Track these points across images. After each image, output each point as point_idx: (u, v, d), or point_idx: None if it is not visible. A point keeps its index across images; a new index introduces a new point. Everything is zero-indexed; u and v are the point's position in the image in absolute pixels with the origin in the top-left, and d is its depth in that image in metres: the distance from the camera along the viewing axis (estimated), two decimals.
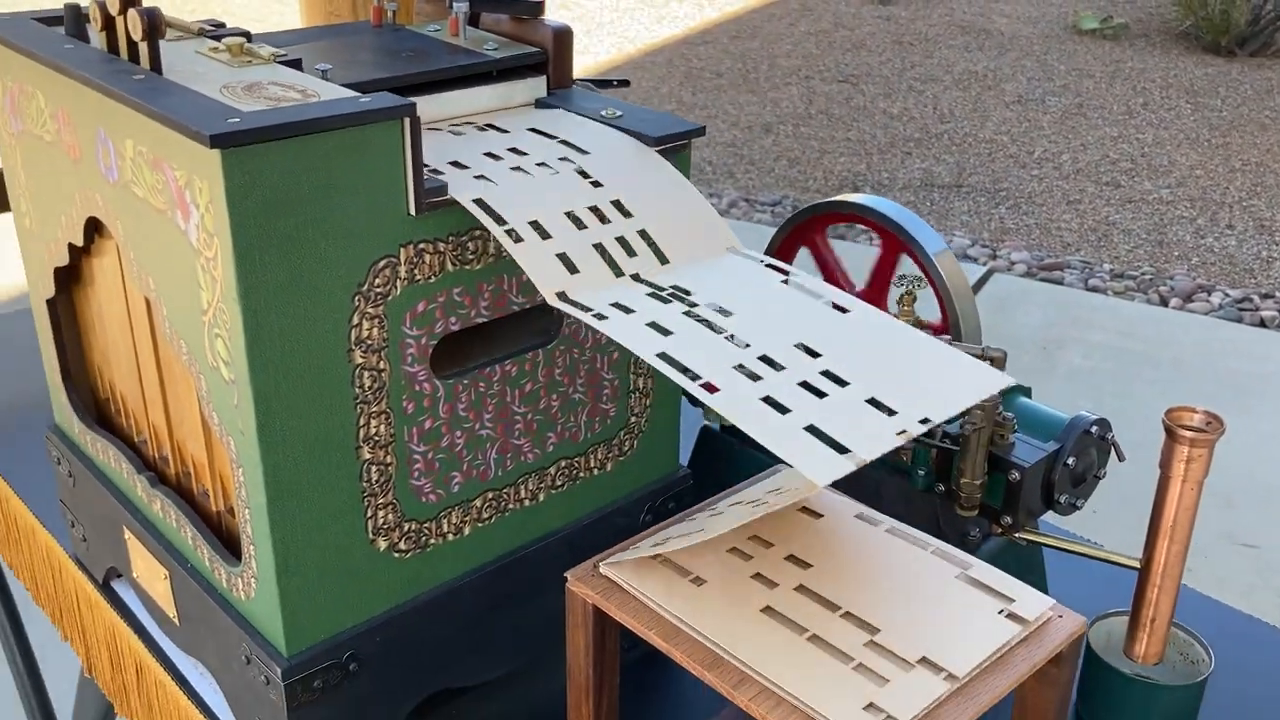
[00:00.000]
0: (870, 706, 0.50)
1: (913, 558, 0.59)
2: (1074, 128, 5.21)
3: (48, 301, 0.78)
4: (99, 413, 0.82)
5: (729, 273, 0.63)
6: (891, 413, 0.52)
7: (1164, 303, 3.34)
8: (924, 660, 0.53)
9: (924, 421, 0.51)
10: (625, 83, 1.09)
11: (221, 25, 0.75)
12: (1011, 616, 0.56)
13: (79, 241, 0.70)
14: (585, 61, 5.83)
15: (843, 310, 0.59)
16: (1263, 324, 3.20)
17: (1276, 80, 6.13)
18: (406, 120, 0.57)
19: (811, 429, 0.51)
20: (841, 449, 0.49)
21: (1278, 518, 2.38)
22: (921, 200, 4.26)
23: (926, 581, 0.58)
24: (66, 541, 0.90)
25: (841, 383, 0.54)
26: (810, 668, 0.52)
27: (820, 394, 0.53)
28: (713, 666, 0.54)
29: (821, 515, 0.63)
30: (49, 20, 0.73)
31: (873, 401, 0.53)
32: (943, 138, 4.97)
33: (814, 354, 0.56)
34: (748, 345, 0.55)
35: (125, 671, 0.85)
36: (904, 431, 0.51)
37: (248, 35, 0.72)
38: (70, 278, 0.77)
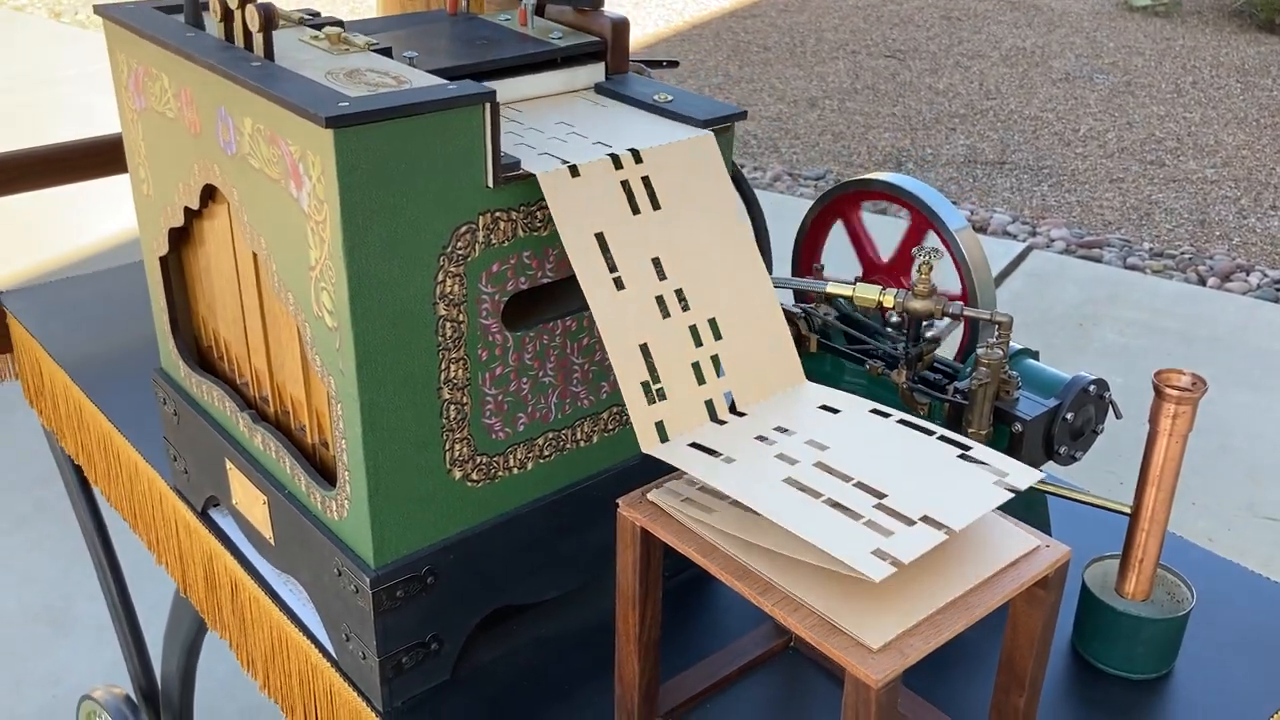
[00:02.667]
0: (877, 551, 0.59)
1: (920, 441, 0.68)
2: (1121, 106, 5.20)
3: (160, 259, 0.88)
4: (201, 358, 0.92)
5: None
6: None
7: (1202, 282, 3.38)
8: (926, 517, 0.62)
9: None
10: (674, 63, 1.18)
11: (317, 14, 0.84)
12: (1004, 485, 0.64)
13: (195, 205, 0.80)
14: (633, 35, 5.88)
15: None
16: None
17: None
18: (487, 105, 0.66)
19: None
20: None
21: None
22: (964, 176, 4.29)
23: (931, 459, 0.66)
24: (167, 475, 1.01)
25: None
26: (826, 524, 0.61)
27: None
28: (742, 577, 0.63)
29: (839, 410, 0.71)
30: (168, 9, 0.83)
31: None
32: (988, 114, 4.99)
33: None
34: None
35: (220, 589, 0.96)
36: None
37: (341, 24, 0.81)
38: (181, 238, 0.87)
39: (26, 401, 1.32)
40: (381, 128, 0.63)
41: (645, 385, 0.68)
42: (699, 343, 0.70)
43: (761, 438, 0.68)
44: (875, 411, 0.70)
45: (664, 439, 0.67)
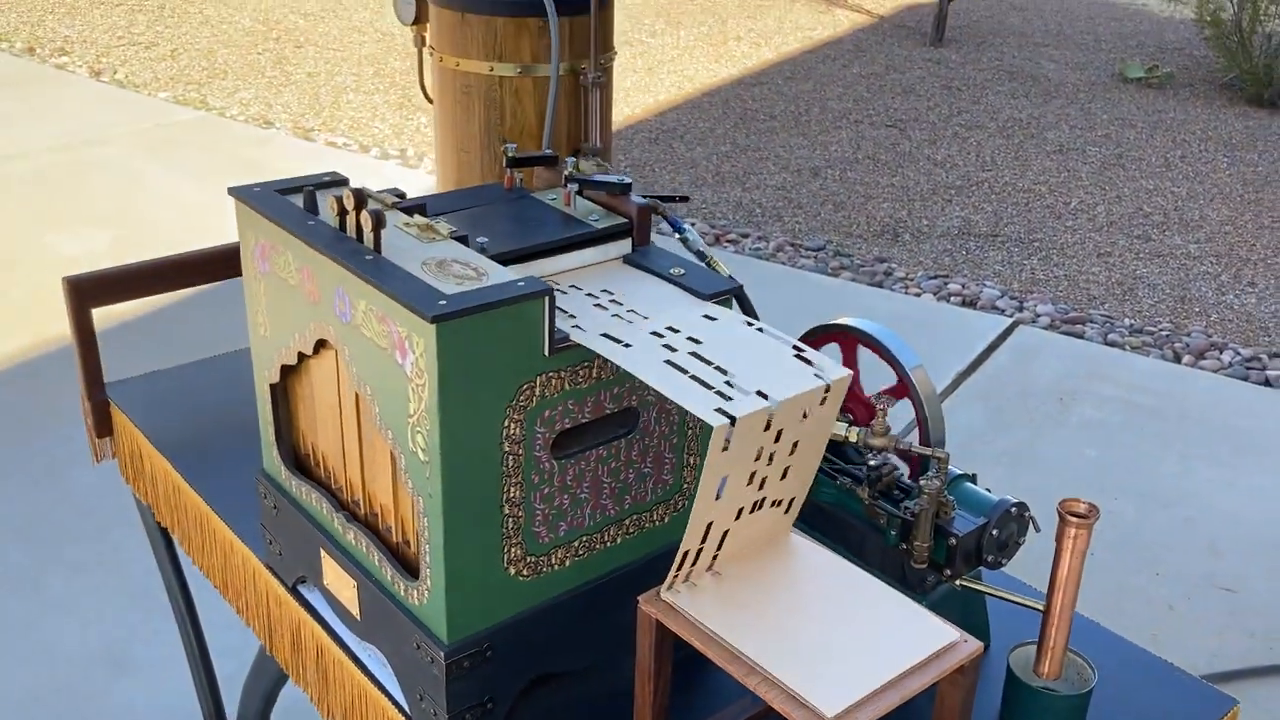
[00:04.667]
0: (719, 409, 0.81)
1: (768, 342, 0.91)
2: (1111, 179, 5.44)
3: (271, 385, 1.09)
4: (298, 464, 1.13)
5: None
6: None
7: (1177, 359, 3.59)
8: (759, 391, 0.84)
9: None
10: (685, 198, 1.40)
11: (403, 195, 1.06)
12: (820, 377, 0.87)
13: (309, 352, 1.01)
14: (646, 101, 6.15)
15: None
16: (1268, 383, 3.43)
17: None
18: (547, 298, 0.88)
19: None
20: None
21: (1259, 566, 2.63)
22: (958, 249, 4.52)
23: (773, 355, 0.89)
24: (261, 553, 1.22)
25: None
26: (687, 388, 0.84)
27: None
28: (731, 662, 0.83)
29: (717, 319, 0.94)
30: (285, 191, 1.05)
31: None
32: (983, 185, 5.22)
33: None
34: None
35: (305, 652, 1.16)
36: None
37: (424, 208, 1.03)
38: (289, 370, 1.08)
39: (123, 479, 1.53)
40: (470, 319, 0.84)
41: None
42: None
43: (656, 333, 0.91)
44: (746, 323, 0.94)
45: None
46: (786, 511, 0.94)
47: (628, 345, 0.90)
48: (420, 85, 1.51)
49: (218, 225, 4.11)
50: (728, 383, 0.85)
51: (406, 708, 1.02)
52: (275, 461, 1.14)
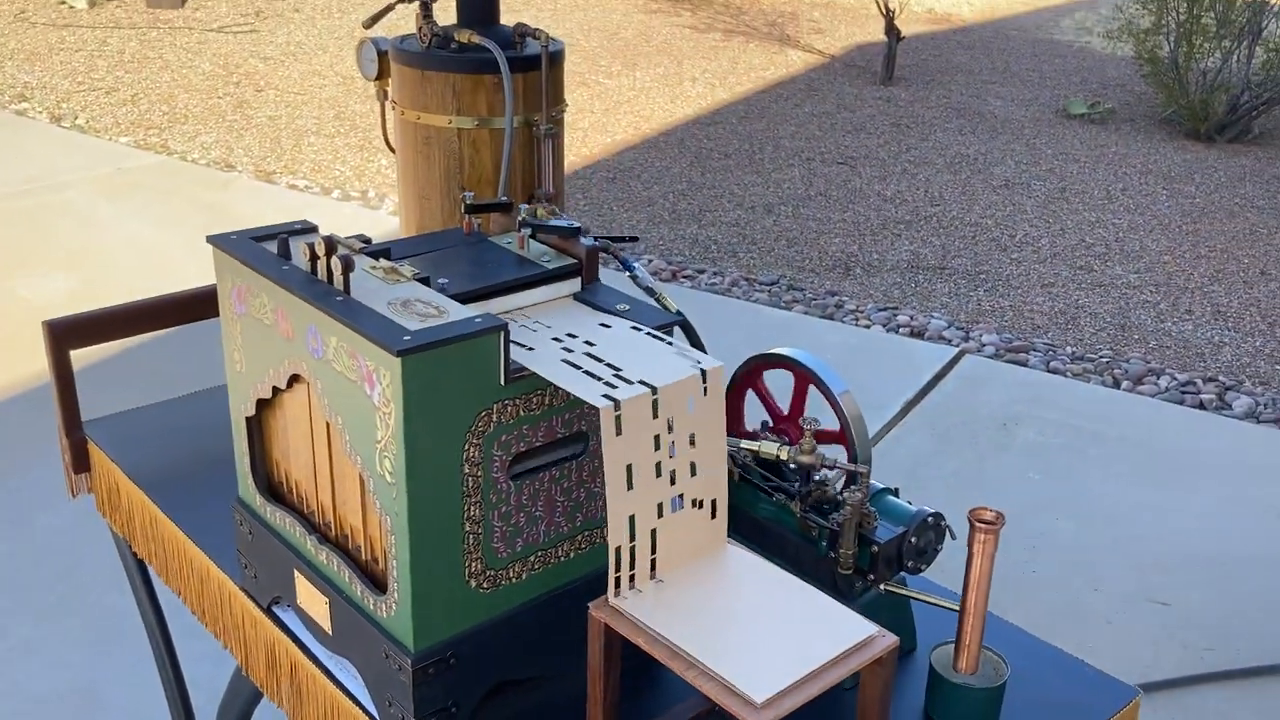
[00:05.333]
0: (605, 395, 0.92)
1: (653, 343, 1.02)
2: (1055, 212, 5.62)
3: (247, 419, 1.18)
4: (272, 491, 1.21)
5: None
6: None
7: (1116, 384, 3.73)
8: (642, 380, 0.95)
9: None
10: (634, 239, 1.49)
11: (369, 240, 1.15)
12: (697, 365, 0.98)
13: (283, 386, 1.10)
14: (603, 141, 6.28)
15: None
16: (1201, 406, 3.58)
17: (1249, 167, 6.55)
18: (502, 332, 0.97)
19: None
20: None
21: (1192, 581, 2.75)
22: (907, 282, 4.66)
23: (657, 351, 1.01)
24: (237, 577, 1.29)
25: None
26: (579, 380, 0.96)
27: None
28: (672, 659, 0.92)
29: (611, 326, 1.06)
30: (259, 238, 1.14)
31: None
32: (931, 220, 5.38)
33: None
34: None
35: (280, 668, 1.24)
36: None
37: (389, 253, 1.12)
38: (263, 404, 1.17)
39: (100, 513, 1.60)
40: (432, 353, 0.93)
41: None
42: None
43: (555, 339, 1.04)
44: (634, 328, 1.07)
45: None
46: (714, 517, 1.03)
47: (530, 349, 1.01)
48: (383, 135, 1.61)
49: (181, 268, 4.17)
50: (617, 375, 0.97)
51: (377, 715, 1.10)
52: (250, 490, 1.22)
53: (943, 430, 3.35)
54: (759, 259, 4.82)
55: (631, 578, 1.00)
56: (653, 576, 1.01)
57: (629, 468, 0.96)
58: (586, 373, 0.98)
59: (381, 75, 1.54)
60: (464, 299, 1.05)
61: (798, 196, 5.56)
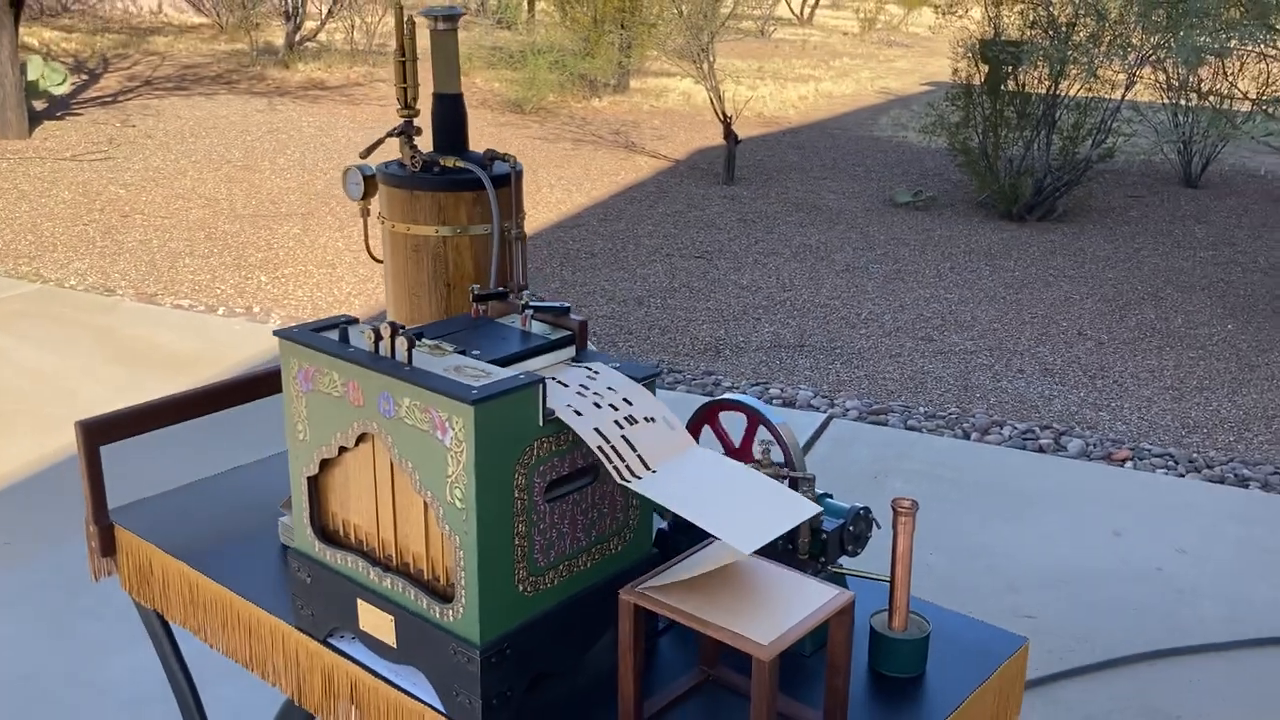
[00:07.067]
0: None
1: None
2: (894, 290, 6.17)
3: (309, 478, 1.43)
4: (328, 539, 1.47)
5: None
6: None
7: (967, 436, 4.19)
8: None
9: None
10: (567, 308, 1.81)
11: (403, 326, 1.44)
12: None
13: (350, 445, 1.37)
14: None
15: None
16: (1041, 449, 4.07)
17: (1058, 241, 7.29)
18: (541, 385, 1.27)
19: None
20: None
21: (1050, 596, 3.17)
22: (772, 360, 5.09)
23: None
24: (288, 618, 1.52)
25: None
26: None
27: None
28: (693, 622, 1.22)
29: (599, 373, 1.35)
30: (317, 329, 1.41)
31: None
32: (786, 304, 5.86)
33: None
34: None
35: (339, 687, 1.48)
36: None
37: (422, 334, 1.41)
38: (325, 465, 1.43)
39: (127, 591, 1.80)
40: (494, 401, 1.23)
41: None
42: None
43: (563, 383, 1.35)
44: (615, 368, 1.39)
45: None
46: (672, 429, 1.34)
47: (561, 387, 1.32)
48: (365, 246, 1.89)
49: (88, 390, 4.27)
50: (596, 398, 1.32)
51: (441, 706, 1.35)
52: (308, 539, 1.47)
53: (821, 486, 3.72)
54: (637, 347, 5.18)
55: (629, 469, 1.28)
56: (647, 468, 1.30)
57: (575, 410, 1.28)
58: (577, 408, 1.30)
59: (366, 195, 1.84)
60: (499, 364, 1.35)
61: (664, 289, 5.98)
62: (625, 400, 1.34)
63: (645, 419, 1.34)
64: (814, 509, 1.28)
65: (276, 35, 13.28)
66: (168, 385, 4.16)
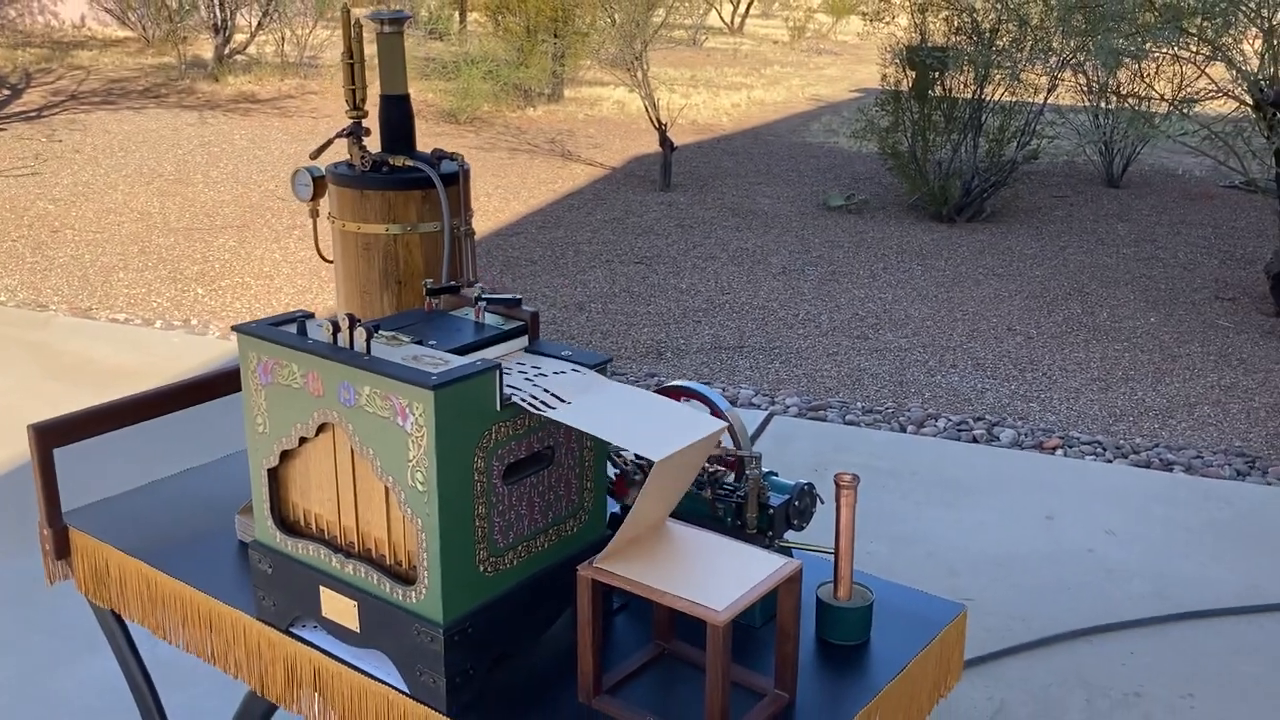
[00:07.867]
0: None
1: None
2: (829, 291, 6.28)
3: (269, 470, 1.46)
4: (288, 529, 1.50)
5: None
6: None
7: (903, 429, 4.30)
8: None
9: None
10: (518, 300, 1.86)
11: (359, 319, 1.47)
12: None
13: (310, 435, 1.40)
14: None
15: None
16: (974, 440, 4.18)
17: (987, 241, 7.46)
18: (497, 370, 1.32)
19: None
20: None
21: (988, 579, 3.27)
22: (713, 360, 5.16)
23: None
24: (250, 610, 1.55)
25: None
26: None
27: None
28: (649, 593, 1.28)
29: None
30: (275, 323, 1.44)
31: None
32: (725, 307, 5.94)
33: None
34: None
35: (301, 676, 1.51)
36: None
37: (379, 327, 1.45)
38: (285, 456, 1.46)
39: (82, 592, 1.81)
40: (453, 387, 1.27)
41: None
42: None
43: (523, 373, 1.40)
44: (567, 357, 1.45)
45: None
46: (581, 374, 1.41)
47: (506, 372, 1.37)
48: (315, 246, 1.93)
49: (28, 405, 4.22)
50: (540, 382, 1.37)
51: (406, 686, 1.39)
52: (269, 530, 1.50)
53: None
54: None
55: (543, 403, 1.33)
56: (561, 400, 1.34)
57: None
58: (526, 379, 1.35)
59: (315, 196, 1.87)
60: (456, 354, 1.39)
61: (604, 294, 6.03)
62: (555, 372, 1.39)
63: (554, 372, 1.40)
64: (719, 424, 1.33)
65: (205, 49, 13.15)
66: (108, 399, 4.12)
